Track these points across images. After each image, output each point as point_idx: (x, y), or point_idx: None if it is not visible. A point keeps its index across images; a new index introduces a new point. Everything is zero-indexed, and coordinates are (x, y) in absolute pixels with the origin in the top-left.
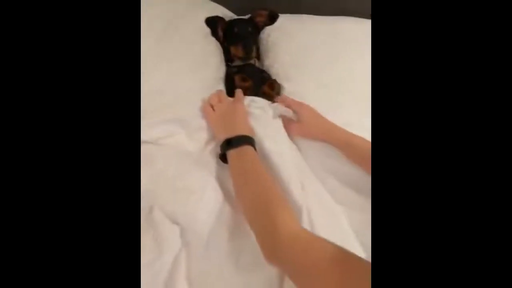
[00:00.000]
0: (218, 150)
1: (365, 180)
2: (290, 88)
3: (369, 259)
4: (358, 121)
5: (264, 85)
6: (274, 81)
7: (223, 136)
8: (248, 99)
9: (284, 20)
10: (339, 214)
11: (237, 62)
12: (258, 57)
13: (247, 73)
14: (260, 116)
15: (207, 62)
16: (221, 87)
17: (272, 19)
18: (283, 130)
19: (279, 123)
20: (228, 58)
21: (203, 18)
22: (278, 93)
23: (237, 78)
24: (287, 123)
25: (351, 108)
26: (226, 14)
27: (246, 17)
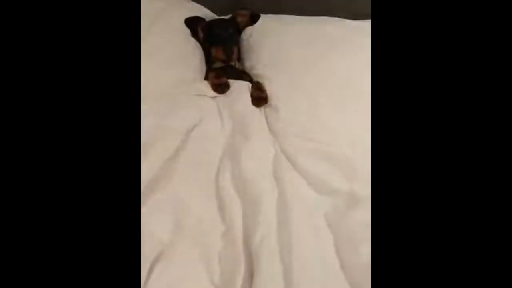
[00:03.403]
0: None
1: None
2: (270, 89)
3: None
4: (336, 122)
5: (252, 89)
6: (258, 82)
7: None
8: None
9: (265, 21)
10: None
11: (218, 64)
12: (239, 58)
13: (228, 75)
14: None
15: (187, 63)
16: (201, 86)
17: (253, 19)
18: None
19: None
20: (209, 59)
21: (182, 19)
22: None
23: (211, 76)
24: None
25: (330, 109)
26: (207, 14)
27: (227, 17)
